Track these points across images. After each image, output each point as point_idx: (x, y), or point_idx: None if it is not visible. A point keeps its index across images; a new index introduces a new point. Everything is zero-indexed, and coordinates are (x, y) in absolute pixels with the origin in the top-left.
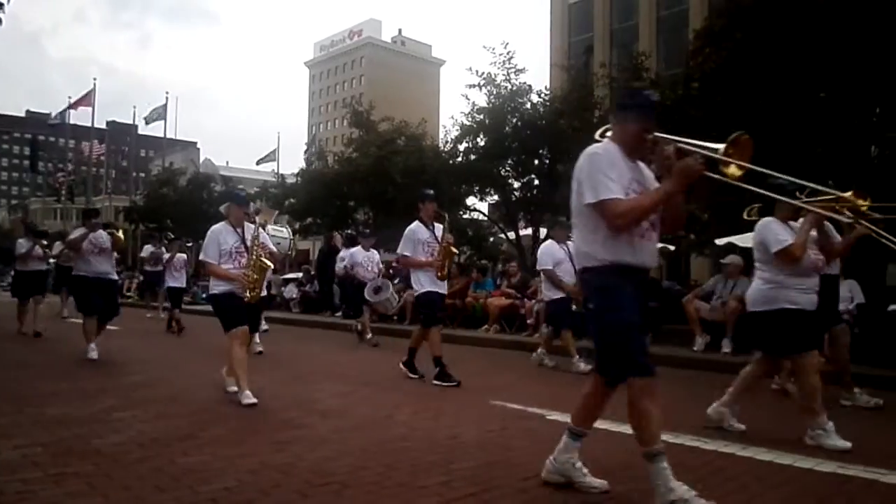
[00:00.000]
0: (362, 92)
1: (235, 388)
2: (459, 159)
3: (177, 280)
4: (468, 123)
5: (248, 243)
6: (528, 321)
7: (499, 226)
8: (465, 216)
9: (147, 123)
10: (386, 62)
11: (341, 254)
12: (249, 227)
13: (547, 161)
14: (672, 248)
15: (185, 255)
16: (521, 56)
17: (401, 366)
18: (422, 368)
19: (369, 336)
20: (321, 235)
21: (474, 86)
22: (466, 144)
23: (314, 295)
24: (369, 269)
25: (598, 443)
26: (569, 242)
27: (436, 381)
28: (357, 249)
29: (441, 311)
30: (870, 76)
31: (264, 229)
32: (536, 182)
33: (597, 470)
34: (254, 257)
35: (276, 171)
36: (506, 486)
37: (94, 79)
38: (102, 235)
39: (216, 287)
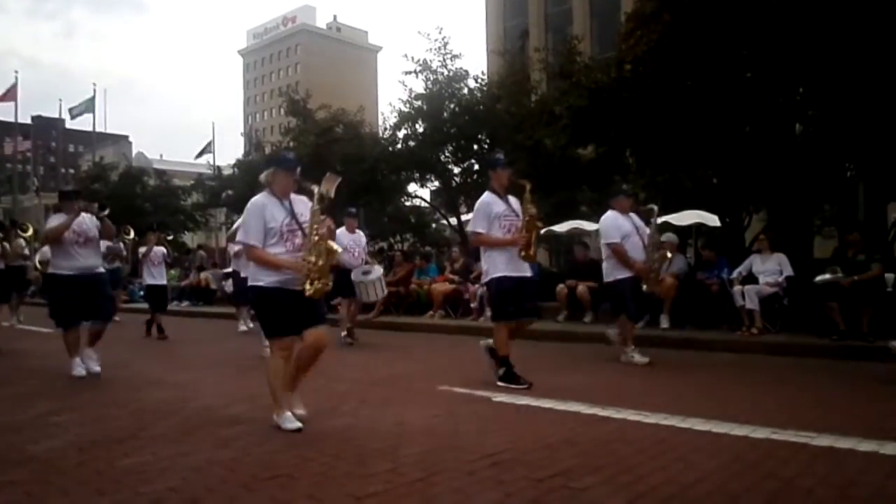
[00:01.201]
0: (298, 80)
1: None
2: (399, 146)
3: (156, 277)
4: (406, 110)
5: (301, 219)
6: (472, 305)
7: (440, 212)
8: (407, 203)
9: (73, 117)
10: (322, 49)
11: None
12: (299, 200)
13: (486, 146)
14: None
15: (164, 249)
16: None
17: (499, 383)
18: (363, 353)
19: (344, 334)
20: None
21: (411, 72)
22: (405, 131)
23: None
24: (356, 254)
25: (543, 420)
26: (632, 214)
27: (501, 383)
28: (341, 231)
29: (527, 302)
30: (793, 56)
31: (323, 201)
32: (476, 167)
33: (541, 446)
34: (315, 236)
35: (211, 163)
36: (453, 469)
37: (16, 72)
38: (87, 221)
39: (260, 278)
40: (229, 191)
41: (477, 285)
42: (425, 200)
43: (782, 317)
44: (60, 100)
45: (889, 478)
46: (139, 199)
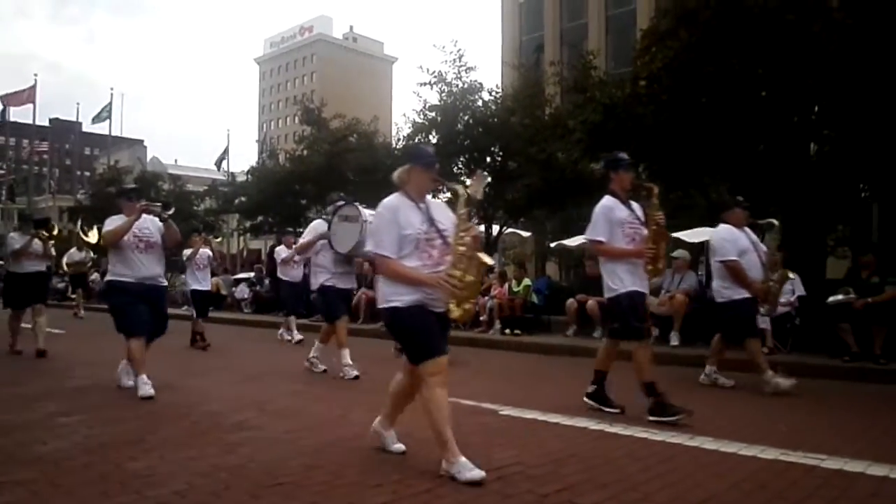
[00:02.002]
0: (314, 89)
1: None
2: None
3: (201, 282)
4: (420, 121)
5: (441, 227)
6: (482, 318)
7: None
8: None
9: (94, 122)
10: (337, 59)
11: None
12: (434, 204)
13: (499, 158)
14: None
15: (209, 251)
16: (473, 54)
17: (587, 400)
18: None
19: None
20: (273, 234)
21: (426, 83)
22: (419, 141)
23: (266, 295)
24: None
25: (550, 435)
26: (747, 229)
27: (651, 418)
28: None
29: (645, 321)
30: (809, 76)
31: (470, 204)
32: (488, 179)
33: (547, 461)
34: (461, 247)
35: (225, 169)
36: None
37: (35, 74)
38: (149, 224)
39: (395, 297)
40: (242, 197)
41: (486, 297)
42: None
43: (793, 337)
44: (78, 103)
45: None
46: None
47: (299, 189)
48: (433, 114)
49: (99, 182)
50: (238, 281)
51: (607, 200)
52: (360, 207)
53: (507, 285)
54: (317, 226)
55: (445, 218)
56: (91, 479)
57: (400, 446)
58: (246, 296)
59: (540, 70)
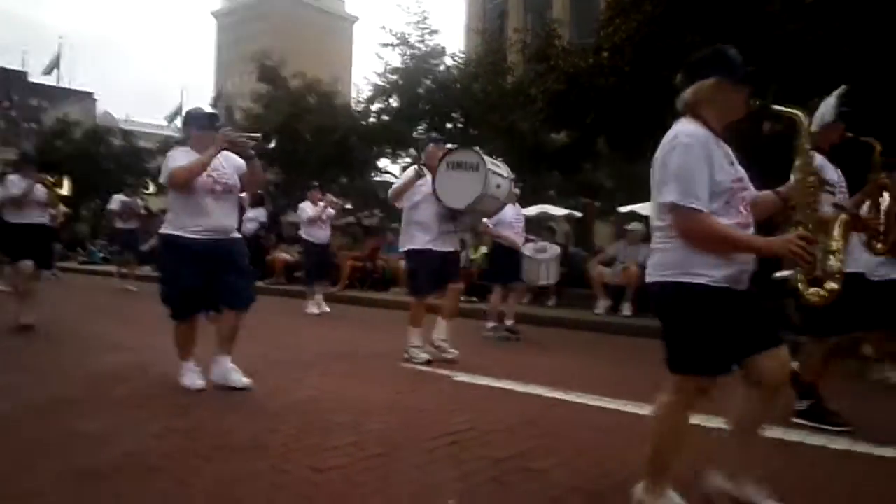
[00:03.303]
0: (272, 46)
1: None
2: (372, 120)
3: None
4: (381, 84)
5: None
6: None
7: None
8: (377, 178)
9: (44, 73)
10: (297, 16)
11: (248, 213)
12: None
13: (460, 125)
14: (580, 214)
15: (331, 209)
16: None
17: (796, 420)
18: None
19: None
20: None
21: (388, 45)
22: (379, 105)
23: None
24: (518, 230)
25: (505, 401)
26: None
27: (799, 419)
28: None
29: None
30: (768, 53)
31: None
32: (449, 145)
33: (501, 427)
34: (810, 202)
35: (178, 125)
36: (414, 446)
37: None
38: (225, 162)
39: (704, 271)
40: None
41: None
42: (395, 176)
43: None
44: (24, 51)
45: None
46: (104, 159)
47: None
48: (394, 77)
49: (46, 135)
50: None
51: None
52: (479, 152)
53: (465, 253)
54: (412, 172)
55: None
56: (37, 441)
57: None
58: None
59: (504, 36)
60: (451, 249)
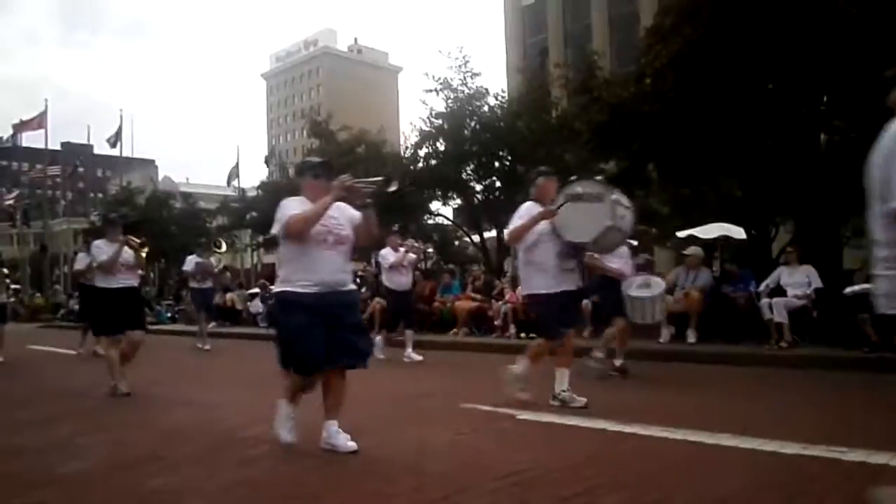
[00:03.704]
0: (320, 102)
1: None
2: (420, 165)
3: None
4: (427, 129)
5: None
6: (496, 322)
7: (463, 229)
8: (430, 221)
9: (110, 145)
10: (343, 71)
11: None
12: None
13: (507, 163)
14: (635, 243)
15: (412, 254)
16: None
17: None
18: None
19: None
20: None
21: (431, 90)
22: (426, 149)
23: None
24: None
25: (568, 438)
26: None
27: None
28: None
29: None
30: (816, 66)
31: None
32: (498, 184)
33: (565, 464)
34: None
35: (236, 185)
36: (477, 487)
37: (46, 99)
38: (341, 213)
39: None
40: (253, 212)
41: (500, 302)
42: (447, 218)
43: (811, 330)
44: (88, 126)
45: None
46: (166, 223)
47: None
48: (440, 121)
49: (112, 203)
50: (253, 296)
51: None
52: (602, 181)
53: (519, 289)
54: (530, 208)
55: None
56: (112, 498)
57: None
58: (260, 310)
59: (545, 73)
60: (573, 288)
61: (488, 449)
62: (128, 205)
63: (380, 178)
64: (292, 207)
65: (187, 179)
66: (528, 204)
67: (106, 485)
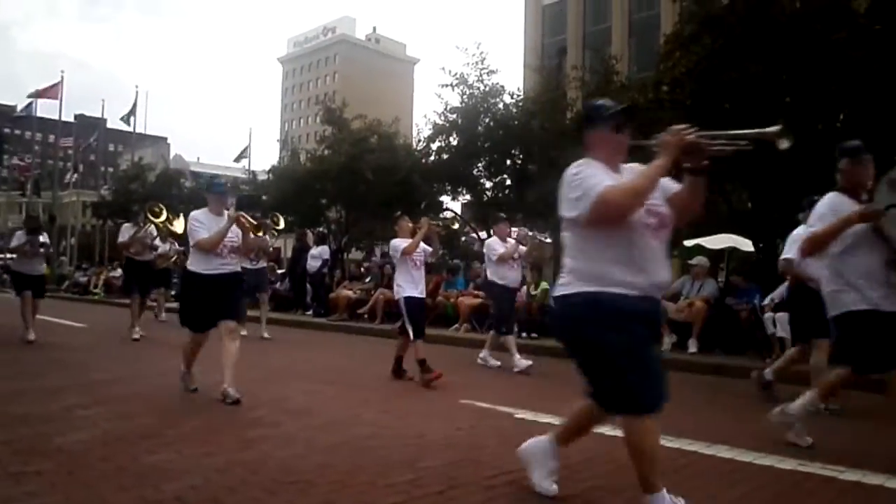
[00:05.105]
0: (336, 89)
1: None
2: (432, 158)
3: (418, 285)
4: (441, 122)
5: None
6: None
7: (470, 225)
8: (440, 215)
9: (124, 121)
10: (360, 60)
11: (313, 251)
12: None
13: (519, 161)
14: None
15: (428, 247)
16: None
17: None
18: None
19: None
20: (293, 233)
21: (447, 85)
22: (439, 143)
23: (285, 293)
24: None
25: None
26: None
27: None
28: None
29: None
30: (834, 82)
31: None
32: (508, 182)
33: (561, 466)
34: None
35: (246, 167)
36: (472, 483)
37: (62, 71)
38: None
39: None
40: (263, 196)
41: None
42: (456, 213)
43: None
44: (103, 100)
45: None
46: (175, 201)
47: (319, 188)
48: (454, 116)
49: (122, 178)
50: (283, 276)
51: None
52: None
53: (525, 289)
54: (837, 203)
55: None
56: (108, 472)
57: None
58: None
59: (562, 74)
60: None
61: (485, 445)
62: (138, 181)
63: (762, 131)
64: (597, 177)
65: (198, 159)
66: (832, 196)
67: (104, 458)
